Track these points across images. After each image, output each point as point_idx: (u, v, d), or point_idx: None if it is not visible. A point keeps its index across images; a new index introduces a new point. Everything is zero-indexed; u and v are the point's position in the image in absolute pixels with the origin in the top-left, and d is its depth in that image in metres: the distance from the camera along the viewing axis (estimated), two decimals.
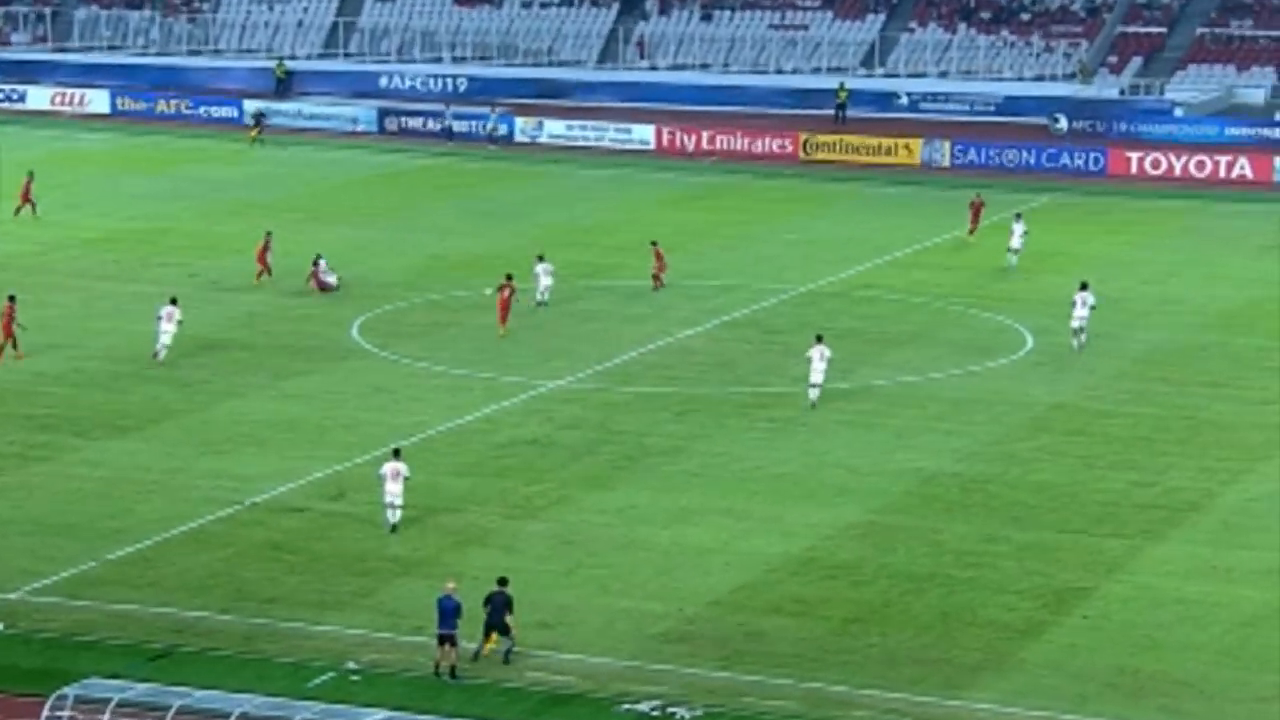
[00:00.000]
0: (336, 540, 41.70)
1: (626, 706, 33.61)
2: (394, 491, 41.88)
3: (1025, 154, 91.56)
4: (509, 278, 58.32)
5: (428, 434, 49.39)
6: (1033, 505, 44.09)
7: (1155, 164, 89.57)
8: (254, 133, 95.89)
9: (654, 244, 64.13)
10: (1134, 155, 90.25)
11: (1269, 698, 33.93)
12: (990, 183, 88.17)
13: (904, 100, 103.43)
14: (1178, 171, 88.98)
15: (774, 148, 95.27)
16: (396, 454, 42.83)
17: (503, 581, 35.75)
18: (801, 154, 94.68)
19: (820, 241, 74.90)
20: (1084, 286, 58.26)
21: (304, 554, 40.89)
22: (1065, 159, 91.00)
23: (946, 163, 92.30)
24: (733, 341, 59.11)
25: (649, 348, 58.45)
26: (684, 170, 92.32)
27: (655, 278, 63.33)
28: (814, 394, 51.18)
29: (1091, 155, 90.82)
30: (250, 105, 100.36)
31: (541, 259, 63.27)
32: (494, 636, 35.26)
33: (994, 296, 65.11)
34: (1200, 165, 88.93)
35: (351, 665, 35.25)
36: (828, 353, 51.77)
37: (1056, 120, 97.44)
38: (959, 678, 34.88)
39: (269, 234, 66.23)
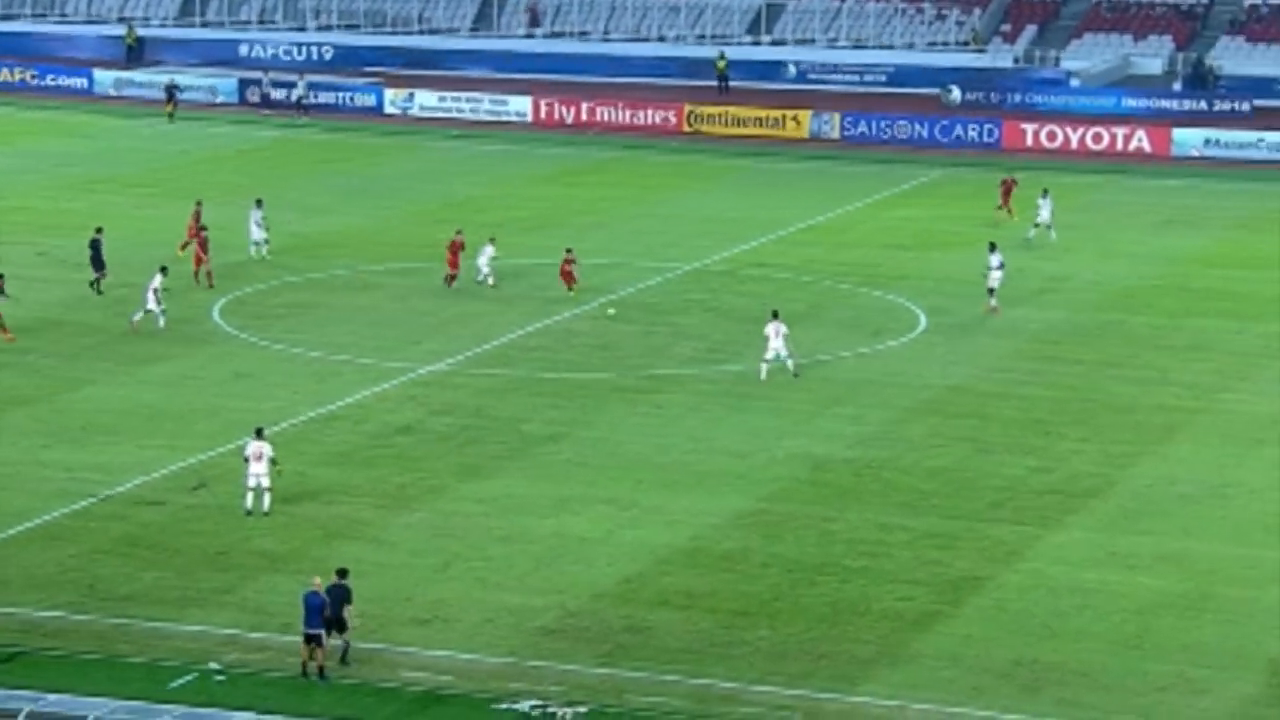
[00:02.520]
0: (198, 534, 41.35)
1: (505, 705, 33.60)
2: (258, 472, 41.68)
3: (917, 126, 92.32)
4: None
5: (294, 421, 49.06)
6: (927, 492, 44.51)
7: (1051, 136, 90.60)
8: (169, 107, 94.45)
9: (568, 251, 61.58)
10: (1029, 127, 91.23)
11: (1168, 687, 34.47)
12: (879, 156, 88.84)
13: (792, 70, 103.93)
14: (1074, 144, 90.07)
15: (656, 120, 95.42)
16: (259, 434, 42.61)
17: (342, 573, 35.54)
18: (685, 126, 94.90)
19: (706, 218, 75.12)
20: (993, 248, 60.26)
21: (163, 549, 40.51)
22: (958, 131, 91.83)
23: (836, 135, 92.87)
24: (615, 323, 59.13)
25: (528, 330, 58.39)
26: (562, 144, 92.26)
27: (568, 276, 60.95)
28: (764, 369, 52.17)
29: (986, 127, 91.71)
30: (159, 78, 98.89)
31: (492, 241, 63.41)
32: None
33: (886, 275, 65.62)
34: (1097, 138, 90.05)
35: (215, 666, 34.98)
36: (784, 329, 52.43)
37: (949, 91, 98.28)
38: (851, 671, 35.16)
39: (199, 203, 65.91)
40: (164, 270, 57.35)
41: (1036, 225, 70.01)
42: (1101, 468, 46.17)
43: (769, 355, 52.27)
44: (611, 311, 51.03)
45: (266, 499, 41.74)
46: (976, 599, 38.45)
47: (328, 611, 34.64)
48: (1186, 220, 75.36)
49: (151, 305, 56.36)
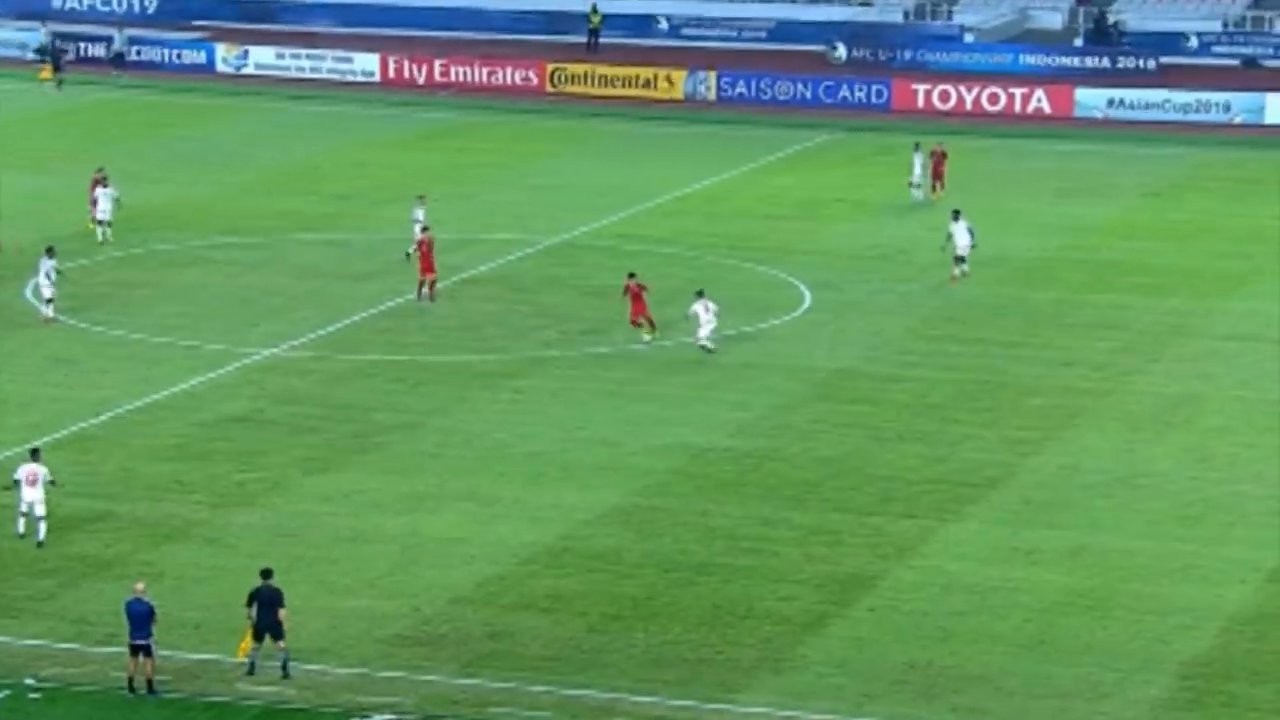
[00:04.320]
0: (10, 536, 40.82)
1: None
2: (32, 499, 40.31)
3: (800, 86, 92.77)
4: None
5: (118, 411, 48.56)
6: (814, 483, 44.79)
7: (944, 97, 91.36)
8: (45, 73, 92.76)
9: (631, 277, 55.39)
10: (921, 87, 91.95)
11: (1073, 693, 34.92)
12: (759, 118, 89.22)
13: (664, 25, 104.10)
14: (969, 105, 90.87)
15: (517, 80, 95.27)
16: (35, 455, 41.29)
17: (266, 574, 35.32)
18: (549, 86, 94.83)
19: (572, 187, 75.12)
20: (957, 216, 61.15)
21: None
22: (845, 92, 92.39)
23: (712, 96, 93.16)
24: (474, 301, 59.02)
25: (377, 309, 58.14)
26: (414, 106, 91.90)
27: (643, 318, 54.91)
28: (704, 340, 52.82)
29: (874, 87, 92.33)
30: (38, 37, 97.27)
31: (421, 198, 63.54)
32: (252, 640, 34.81)
33: (768, 248, 65.94)
34: (994, 98, 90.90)
35: (30, 681, 34.58)
36: (713, 305, 53.29)
37: (834, 48, 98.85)
38: (733, 678, 35.33)
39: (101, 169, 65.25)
40: (50, 251, 56.10)
41: (915, 185, 70.92)
42: (1001, 456, 46.66)
43: (704, 334, 52.53)
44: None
45: (42, 528, 40.49)
46: (867, 599, 38.74)
47: (253, 618, 34.46)
48: (1090, 187, 76.23)
49: (47, 292, 54.94)
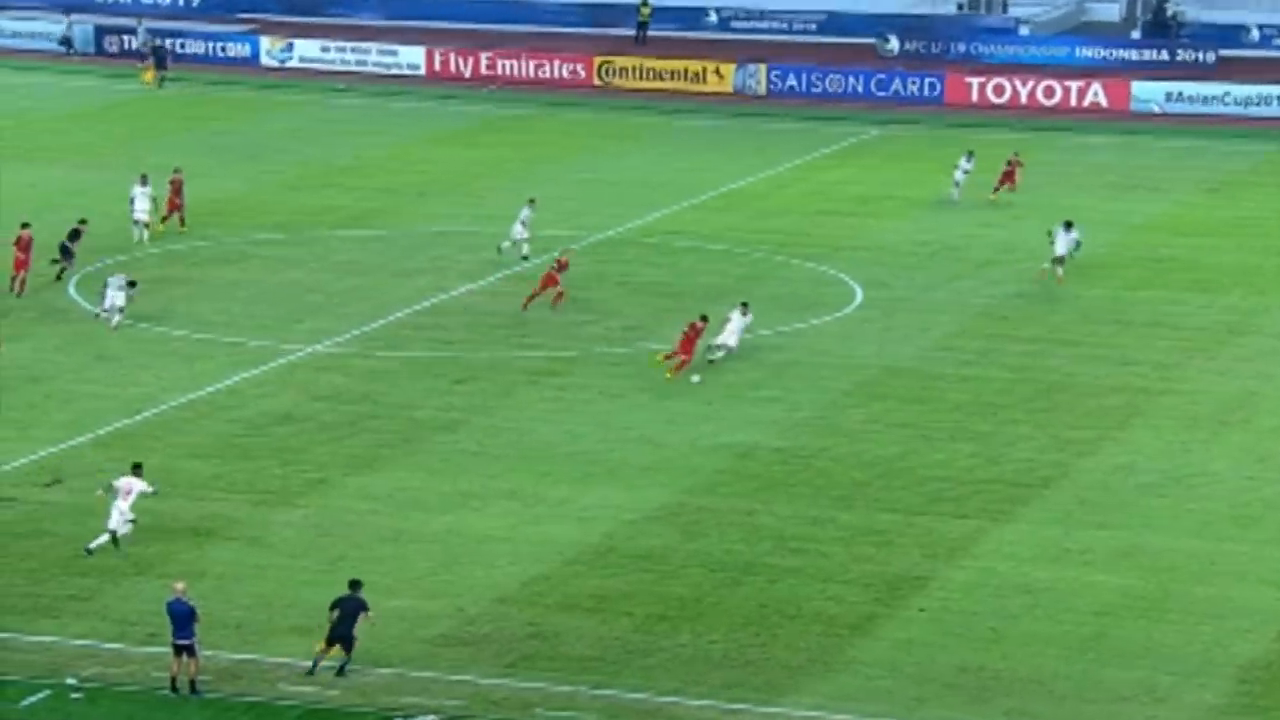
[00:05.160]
0: (52, 535, 41.08)
1: None
2: (122, 509, 40.26)
3: (852, 80, 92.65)
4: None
5: (161, 409, 48.79)
6: (863, 483, 44.76)
7: (998, 90, 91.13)
8: (149, 74, 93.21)
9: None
10: (974, 80, 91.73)
11: (1128, 697, 34.84)
12: (810, 112, 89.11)
13: (713, 18, 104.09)
14: (1023, 99, 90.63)
15: (564, 73, 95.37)
16: (136, 469, 40.90)
17: (354, 584, 35.48)
18: (596, 80, 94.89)
19: (619, 182, 75.16)
20: (1069, 226, 61.06)
21: (13, 552, 40.23)
22: (897, 85, 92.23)
23: (762, 90, 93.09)
24: (519, 298, 59.09)
25: (421, 306, 58.28)
26: (460, 99, 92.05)
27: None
28: (717, 354, 52.15)
29: (927, 81, 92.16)
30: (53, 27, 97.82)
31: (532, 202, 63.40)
32: (325, 644, 35.03)
33: (818, 244, 65.88)
34: (1049, 92, 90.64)
35: (72, 680, 34.79)
36: (749, 319, 52.82)
37: (886, 41, 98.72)
38: (780, 680, 35.34)
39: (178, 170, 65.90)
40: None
41: (957, 184, 70.77)
42: (1055, 455, 46.56)
43: (719, 340, 51.88)
44: (696, 379, 50.30)
45: (122, 533, 40.50)
46: (917, 600, 38.72)
47: (333, 625, 34.76)
48: (1147, 182, 75.97)
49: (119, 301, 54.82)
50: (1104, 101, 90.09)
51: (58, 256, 59.09)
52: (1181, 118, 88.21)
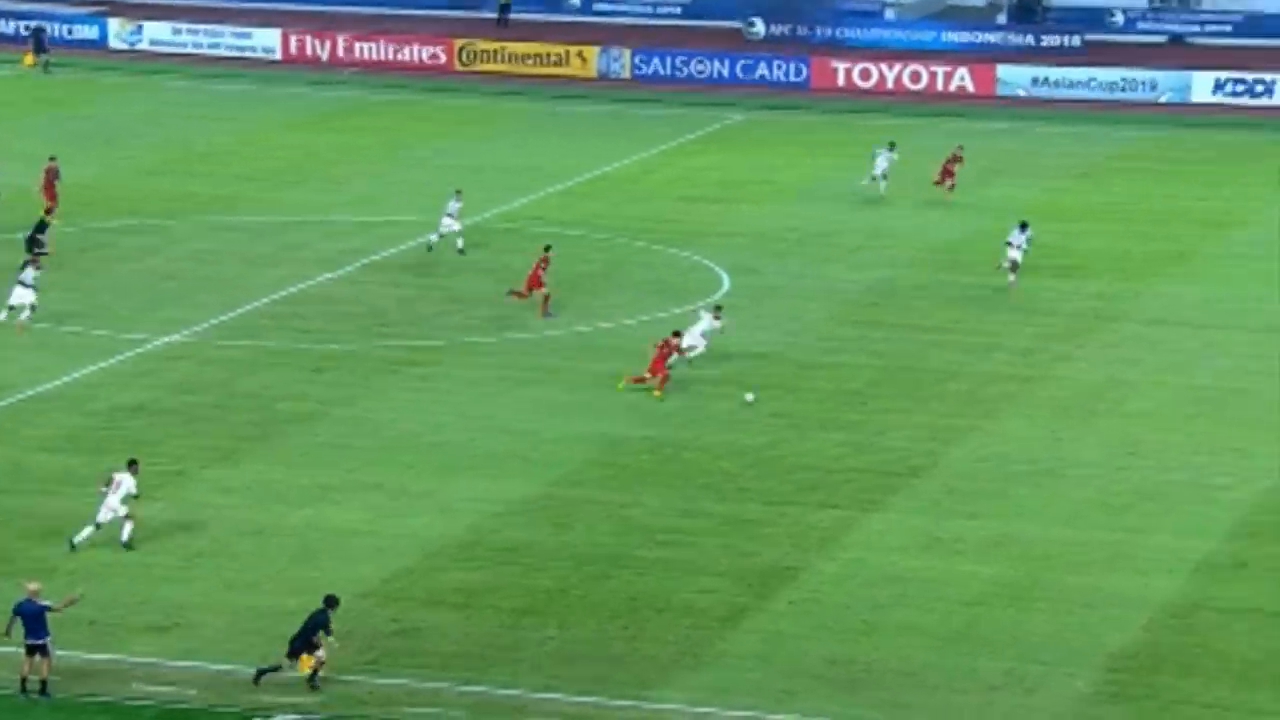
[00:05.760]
0: None
1: None
2: (111, 505, 39.59)
3: (717, 64, 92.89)
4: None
5: (10, 401, 48.17)
6: (733, 473, 44.87)
7: (865, 75, 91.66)
8: (29, 58, 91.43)
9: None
10: (840, 65, 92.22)
11: (999, 686, 35.12)
12: (675, 97, 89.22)
13: (576, 1, 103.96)
14: (890, 83, 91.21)
15: (424, 57, 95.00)
16: (131, 465, 40.18)
17: (327, 601, 34.92)
18: (457, 64, 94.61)
19: (481, 168, 74.93)
20: (1024, 226, 59.74)
21: None
22: (763, 70, 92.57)
23: (627, 74, 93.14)
24: (380, 286, 58.81)
25: (279, 295, 57.86)
26: (317, 84, 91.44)
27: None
28: (690, 354, 50.88)
29: (793, 65, 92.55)
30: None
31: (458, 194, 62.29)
32: (304, 658, 34.54)
33: (684, 231, 65.98)
34: (915, 76, 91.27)
35: None
36: (718, 324, 51.38)
37: (752, 24, 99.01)
38: (649, 674, 35.36)
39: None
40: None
41: (873, 178, 69.70)
42: (925, 444, 46.86)
43: (686, 343, 50.70)
44: (750, 398, 49.16)
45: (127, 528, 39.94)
46: (788, 591, 38.85)
47: (296, 636, 34.32)
48: (1014, 168, 76.64)
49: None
50: (970, 86, 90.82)
51: (31, 252, 57.79)
52: (1048, 102, 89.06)
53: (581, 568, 39.70)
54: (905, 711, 34.23)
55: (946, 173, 69.74)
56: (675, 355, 50.15)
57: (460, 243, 61.56)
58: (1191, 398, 50.16)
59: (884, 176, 69.59)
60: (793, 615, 37.81)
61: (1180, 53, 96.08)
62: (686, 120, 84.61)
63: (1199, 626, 37.39)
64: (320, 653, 34.40)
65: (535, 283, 55.50)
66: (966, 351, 53.86)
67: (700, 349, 51.12)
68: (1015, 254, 58.93)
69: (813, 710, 34.22)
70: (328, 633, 34.45)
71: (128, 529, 39.96)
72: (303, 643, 34.43)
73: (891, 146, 70.53)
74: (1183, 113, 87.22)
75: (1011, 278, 58.89)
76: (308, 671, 34.40)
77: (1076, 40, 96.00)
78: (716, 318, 51.93)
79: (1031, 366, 52.65)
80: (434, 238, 61.82)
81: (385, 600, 38.04)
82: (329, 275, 59.88)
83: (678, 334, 50.36)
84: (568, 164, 75.15)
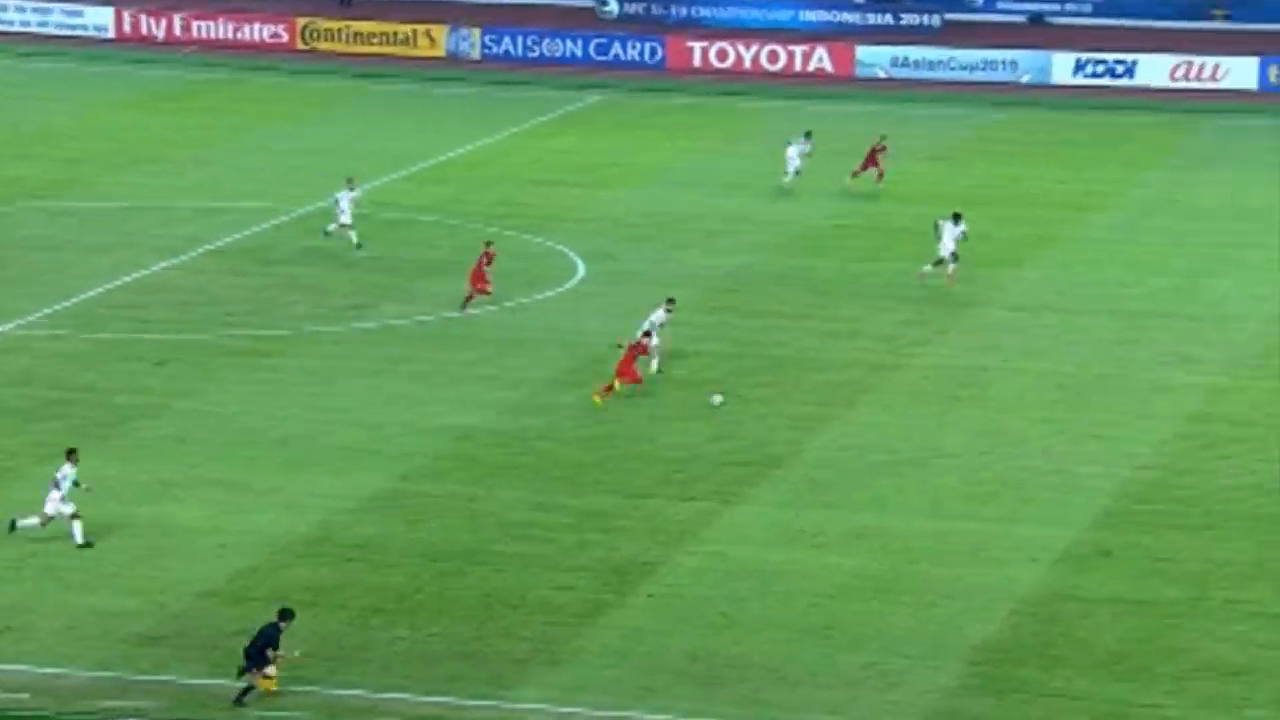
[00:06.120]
0: None
1: None
2: (55, 497, 39.35)
3: (569, 44, 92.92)
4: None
5: None
6: (590, 465, 44.96)
7: (721, 55, 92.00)
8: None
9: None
10: (696, 45, 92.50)
11: (860, 681, 35.40)
12: (527, 78, 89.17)
13: None
14: (747, 64, 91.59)
15: (265, 36, 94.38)
16: (69, 454, 39.98)
17: (281, 614, 34.54)
18: (300, 44, 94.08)
19: (326, 152, 74.59)
20: (957, 219, 58.57)
21: None
22: (617, 50, 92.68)
23: (476, 54, 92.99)
24: (222, 275, 58.43)
25: (116, 283, 57.36)
26: (151, 64, 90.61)
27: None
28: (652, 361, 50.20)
29: (648, 45, 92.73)
30: None
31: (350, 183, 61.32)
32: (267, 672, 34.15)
33: (538, 216, 66.01)
34: (773, 56, 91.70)
35: None
36: (663, 317, 50.53)
37: (605, 4, 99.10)
38: (505, 673, 35.38)
39: None
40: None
41: (794, 173, 68.53)
42: (785, 434, 47.14)
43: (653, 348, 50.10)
44: (717, 400, 48.34)
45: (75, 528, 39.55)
46: (646, 586, 38.98)
47: (246, 648, 34.01)
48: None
49: None
50: (829, 66, 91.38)
51: None
52: (907, 83, 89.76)
53: (434, 564, 39.65)
54: (766, 707, 34.45)
55: (870, 162, 68.92)
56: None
57: (353, 235, 60.62)
58: (1054, 384, 50.76)
59: (797, 173, 68.54)
60: (651, 610, 37.94)
61: (1041, 33, 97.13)
62: (539, 102, 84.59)
63: (1063, 617, 37.87)
64: (270, 669, 34.07)
65: (479, 279, 54.90)
66: (827, 339, 54.24)
67: (654, 344, 50.15)
68: (951, 246, 57.86)
69: (673, 707, 34.36)
70: (275, 647, 34.13)
71: (76, 529, 39.44)
72: (256, 659, 34.08)
73: (807, 136, 69.93)
74: (1043, 94, 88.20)
75: (950, 269, 57.75)
76: (274, 688, 34.03)
77: (936, 20, 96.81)
78: (668, 310, 51.27)
79: (893, 354, 53.10)
80: (332, 228, 60.47)
81: (229, 600, 37.82)
82: (168, 263, 59.42)
83: (648, 334, 49.54)
84: (416, 148, 74.93)
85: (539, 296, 57.44)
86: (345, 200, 60.89)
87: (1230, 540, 41.24)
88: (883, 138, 70.08)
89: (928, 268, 58.09)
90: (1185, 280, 60.14)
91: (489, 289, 54.90)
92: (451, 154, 74.55)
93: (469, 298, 54.84)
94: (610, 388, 48.53)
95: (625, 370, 48.58)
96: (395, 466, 44.49)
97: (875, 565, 40.07)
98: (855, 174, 69.27)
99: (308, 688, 34.56)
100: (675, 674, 35.50)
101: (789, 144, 69.43)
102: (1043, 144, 79.28)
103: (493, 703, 34.37)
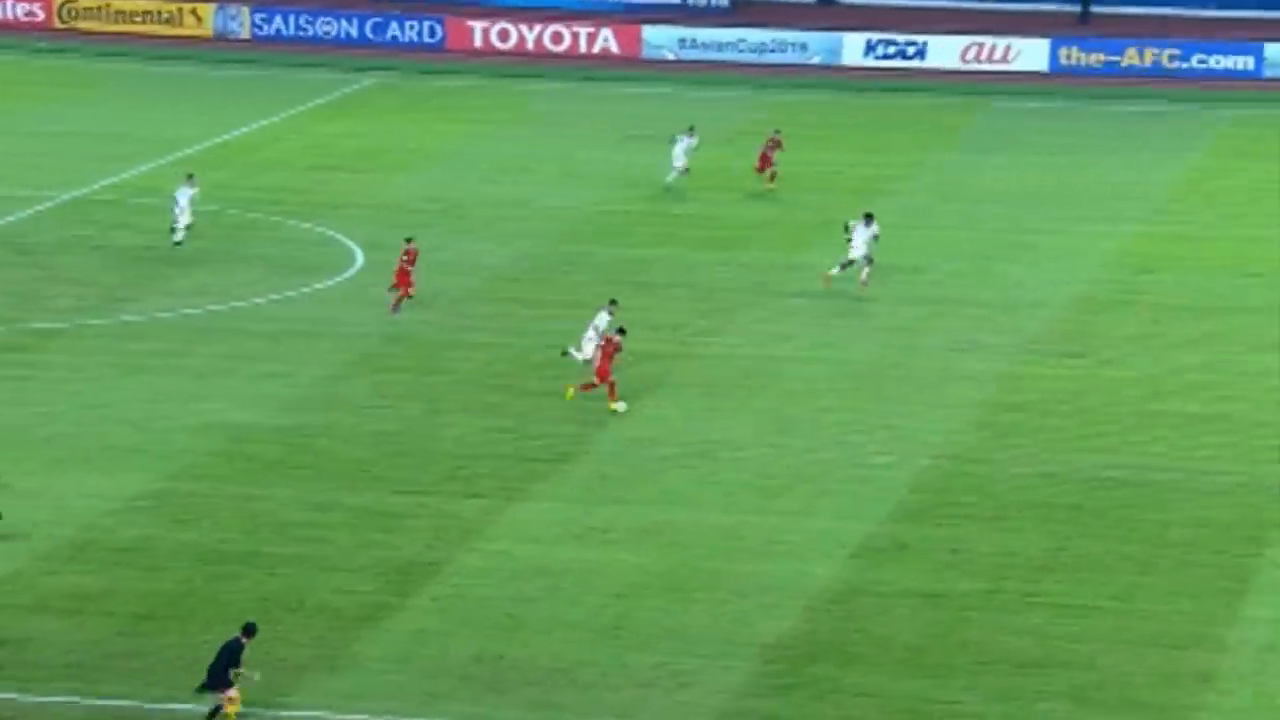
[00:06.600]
0: None
1: None
2: None
3: (345, 24, 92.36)
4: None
5: None
6: (371, 462, 44.80)
7: (504, 35, 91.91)
8: None
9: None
10: (477, 25, 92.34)
11: (651, 682, 35.56)
12: (301, 59, 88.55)
13: None
14: (530, 45, 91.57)
15: (19, 14, 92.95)
16: None
17: (245, 629, 33.97)
18: (57, 22, 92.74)
19: (86, 135, 73.67)
20: (869, 219, 57.36)
21: None
22: (395, 30, 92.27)
23: (246, 34, 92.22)
24: None
25: None
26: None
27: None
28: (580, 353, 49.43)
29: (426, 25, 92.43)
30: None
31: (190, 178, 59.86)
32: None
33: (314, 202, 65.65)
34: (556, 37, 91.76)
35: None
36: (606, 320, 49.58)
37: None
38: (282, 680, 35.15)
39: None
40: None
41: (681, 171, 67.63)
42: (572, 428, 47.23)
43: (584, 351, 49.51)
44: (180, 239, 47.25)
45: None
46: (430, 587, 38.93)
47: (210, 666, 33.39)
48: (662, 134, 77.33)
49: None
50: (615, 47, 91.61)
51: None
52: (696, 65, 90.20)
53: (206, 567, 39.33)
54: (555, 710, 34.54)
55: (765, 160, 68.18)
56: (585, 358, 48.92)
57: (180, 234, 59.52)
58: (846, 373, 51.28)
59: (685, 170, 67.60)
60: (435, 612, 37.89)
61: (831, 13, 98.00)
62: (314, 84, 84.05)
63: (858, 612, 38.30)
64: (233, 691, 33.50)
65: (404, 279, 54.23)
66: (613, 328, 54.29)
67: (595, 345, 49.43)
68: (862, 249, 56.80)
69: (458, 712, 34.35)
70: (237, 665, 33.57)
71: None
72: (220, 676, 33.50)
73: (691, 130, 69.26)
74: (834, 75, 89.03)
75: (864, 273, 56.77)
76: (238, 708, 33.53)
77: (725, 0, 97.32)
78: (610, 312, 50.44)
79: (681, 343, 53.38)
80: (180, 234, 59.40)
81: None
82: None
83: (622, 331, 48.84)
84: (183, 131, 74.18)
85: (317, 286, 57.12)
86: (185, 198, 59.83)
87: (1023, 531, 41.95)
88: (777, 131, 69.24)
89: (835, 270, 57.26)
90: (977, 265, 61.00)
91: (412, 290, 54.10)
92: (222, 138, 73.90)
93: (397, 300, 54.23)
94: (590, 385, 48.04)
95: (602, 371, 48.03)
96: (165, 465, 44.07)
97: (666, 562, 40.27)
98: (759, 170, 68.29)
99: (70, 699, 34.16)
100: (460, 678, 35.48)
101: (674, 141, 68.13)
102: (834, 126, 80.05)
103: (271, 711, 34.15)
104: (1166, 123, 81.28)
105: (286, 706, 34.33)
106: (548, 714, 34.45)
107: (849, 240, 57.28)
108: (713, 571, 39.91)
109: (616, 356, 48.19)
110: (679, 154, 68.02)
